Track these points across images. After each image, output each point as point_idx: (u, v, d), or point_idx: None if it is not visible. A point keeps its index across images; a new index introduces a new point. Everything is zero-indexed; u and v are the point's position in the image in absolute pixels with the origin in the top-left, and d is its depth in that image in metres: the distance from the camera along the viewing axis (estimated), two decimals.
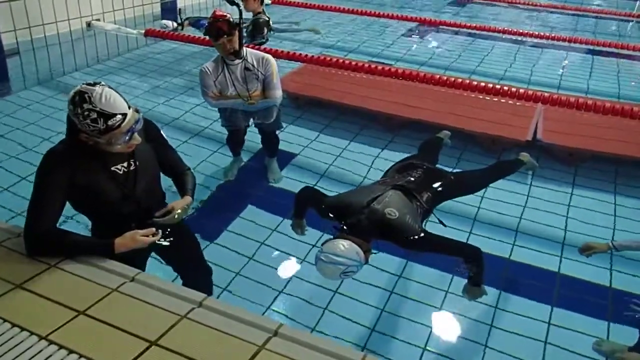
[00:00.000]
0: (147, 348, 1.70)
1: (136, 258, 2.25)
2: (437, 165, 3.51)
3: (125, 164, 2.19)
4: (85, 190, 2.12)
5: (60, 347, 1.69)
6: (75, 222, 2.93)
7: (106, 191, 2.15)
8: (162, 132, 2.43)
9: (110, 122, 1.98)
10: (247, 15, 6.47)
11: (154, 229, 2.16)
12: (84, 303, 1.88)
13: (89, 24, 7.60)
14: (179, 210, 2.32)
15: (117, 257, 2.12)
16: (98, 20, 7.75)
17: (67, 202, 2.15)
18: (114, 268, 2.08)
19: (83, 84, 2.01)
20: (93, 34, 7.57)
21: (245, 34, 6.31)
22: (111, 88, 2.03)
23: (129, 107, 2.05)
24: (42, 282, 1.97)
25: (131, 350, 1.68)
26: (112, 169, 2.16)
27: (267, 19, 6.46)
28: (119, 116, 2.00)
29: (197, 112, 5.20)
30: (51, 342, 1.71)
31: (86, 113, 1.95)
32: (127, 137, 2.06)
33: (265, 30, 6.45)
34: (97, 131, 1.99)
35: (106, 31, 7.57)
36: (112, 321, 1.80)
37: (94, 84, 2.00)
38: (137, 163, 2.22)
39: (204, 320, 1.83)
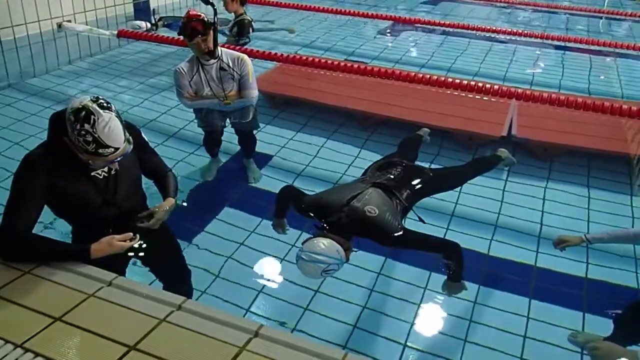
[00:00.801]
0: (126, 353, 1.68)
1: (115, 263, 2.22)
2: (416, 163, 3.53)
3: (105, 169, 2.17)
4: (65, 195, 2.10)
5: (37, 354, 1.66)
6: (52, 230, 2.88)
7: (86, 196, 2.13)
8: (143, 134, 2.40)
9: (100, 150, 1.98)
10: (224, 15, 6.49)
11: (131, 234, 2.13)
12: (60, 309, 1.85)
13: (59, 25, 7.46)
14: (161, 213, 2.30)
15: (95, 263, 2.09)
16: (69, 21, 7.61)
17: (47, 207, 2.12)
18: (91, 273, 2.05)
19: (93, 100, 1.98)
20: (64, 35, 7.43)
21: (229, 35, 6.34)
22: (118, 116, 2.02)
23: (124, 140, 2.04)
24: (17, 289, 1.94)
25: (109, 356, 1.66)
26: (92, 174, 2.14)
27: (250, 19, 6.47)
28: (112, 149, 2.00)
29: (172, 113, 5.14)
30: (27, 350, 1.68)
31: (83, 132, 1.94)
32: (106, 165, 2.09)
33: (250, 30, 6.49)
34: (83, 149, 1.98)
35: (78, 32, 7.44)
36: (90, 327, 1.78)
37: (106, 107, 1.98)
38: (118, 167, 2.20)
39: (183, 323, 1.82)
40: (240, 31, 6.36)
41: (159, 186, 2.49)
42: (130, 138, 2.10)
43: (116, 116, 2.01)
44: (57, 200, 2.13)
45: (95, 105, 1.96)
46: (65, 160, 2.07)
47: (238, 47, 5.54)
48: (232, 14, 6.43)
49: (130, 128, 2.25)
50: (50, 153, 2.07)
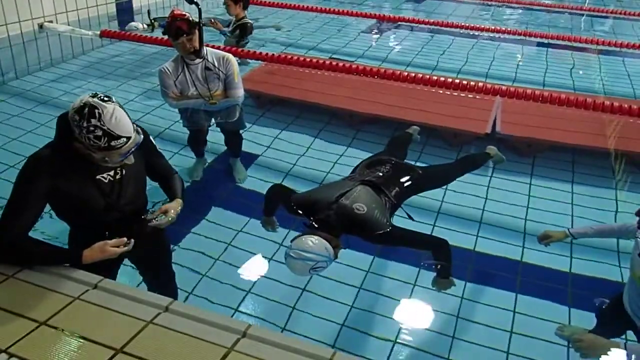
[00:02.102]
0: (113, 356, 1.66)
1: (107, 266, 2.18)
2: (405, 160, 3.54)
3: (111, 173, 2.13)
4: (68, 198, 2.06)
5: (22, 359, 1.64)
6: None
7: (90, 200, 2.10)
8: (151, 137, 2.35)
9: (113, 143, 1.93)
10: (225, 16, 6.63)
11: (124, 239, 2.09)
12: (45, 313, 1.82)
13: (41, 26, 7.38)
14: (173, 213, 2.29)
15: (87, 266, 2.06)
16: (51, 21, 7.53)
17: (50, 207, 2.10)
18: (76, 276, 2.03)
19: (93, 95, 1.95)
20: (46, 36, 7.35)
21: (230, 36, 6.47)
22: (121, 107, 1.98)
23: (134, 130, 2.01)
24: (0, 294, 1.91)
25: (96, 359, 1.64)
26: (98, 177, 2.10)
27: (252, 23, 6.59)
28: (124, 139, 1.96)
29: (157, 113, 5.11)
30: (12, 355, 1.66)
31: (91, 128, 1.89)
32: (122, 158, 2.03)
33: (251, 33, 6.63)
34: (96, 147, 1.93)
35: (59, 33, 7.36)
36: (75, 330, 1.76)
37: (107, 100, 1.94)
38: (124, 172, 2.16)
39: (170, 325, 1.80)
40: (242, 34, 6.46)
41: (166, 187, 2.45)
42: (139, 129, 2.07)
43: (119, 107, 1.97)
44: (59, 202, 2.10)
45: (96, 99, 1.93)
46: (71, 162, 2.03)
47: (237, 49, 5.67)
48: (233, 16, 6.49)
49: (142, 128, 2.20)
50: (56, 154, 2.03)
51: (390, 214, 2.78)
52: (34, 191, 1.99)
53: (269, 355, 1.70)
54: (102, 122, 1.90)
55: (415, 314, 2.94)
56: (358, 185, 2.77)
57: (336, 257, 2.50)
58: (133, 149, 2.02)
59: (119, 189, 2.15)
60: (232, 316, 2.80)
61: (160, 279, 2.64)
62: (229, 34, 6.51)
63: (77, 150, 1.99)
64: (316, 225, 2.54)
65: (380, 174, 2.98)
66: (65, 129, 1.97)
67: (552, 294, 3.08)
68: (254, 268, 3.22)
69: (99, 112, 1.90)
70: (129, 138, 1.97)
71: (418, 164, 4.11)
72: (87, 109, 1.90)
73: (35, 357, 1.65)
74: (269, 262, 3.24)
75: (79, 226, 2.26)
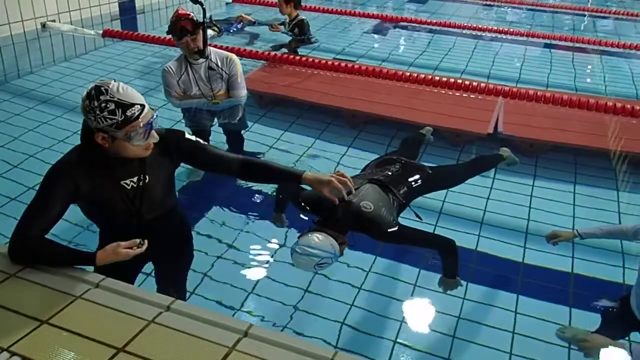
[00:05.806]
0: (114, 355, 1.66)
1: (128, 267, 2.19)
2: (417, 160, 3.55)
3: (134, 179, 2.12)
4: (91, 201, 2.08)
5: (24, 358, 1.65)
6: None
7: (111, 204, 2.11)
8: (186, 135, 2.31)
9: (128, 113, 1.94)
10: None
11: (138, 240, 2.06)
12: (46, 312, 1.83)
13: (44, 25, 7.39)
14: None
15: (106, 269, 2.05)
16: (53, 21, 7.54)
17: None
18: (78, 275, 2.03)
19: (95, 83, 1.98)
20: (48, 35, 7.36)
21: (292, 34, 6.61)
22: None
23: (144, 101, 2.02)
24: (2, 293, 1.91)
25: (98, 358, 1.65)
26: (122, 183, 2.10)
27: (306, 19, 6.68)
28: (137, 106, 1.96)
29: (160, 113, 5.05)
30: (14, 354, 1.66)
31: (103, 105, 1.91)
32: (145, 132, 2.00)
33: (309, 29, 6.74)
34: (115, 124, 1.93)
35: (62, 32, 7.38)
36: (77, 329, 1.76)
37: (109, 80, 1.97)
38: (147, 179, 2.15)
39: (172, 324, 1.81)
40: (301, 30, 6.59)
41: (265, 173, 2.34)
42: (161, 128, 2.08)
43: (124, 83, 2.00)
44: (83, 205, 2.13)
45: (99, 82, 1.97)
46: (97, 167, 2.05)
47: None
48: (286, 17, 6.60)
49: (169, 135, 2.21)
50: (82, 158, 2.05)
51: (397, 213, 2.79)
52: (56, 193, 2.00)
53: (271, 354, 1.70)
54: (111, 95, 1.92)
55: (416, 314, 2.94)
56: (366, 183, 2.79)
57: (342, 253, 2.52)
58: (154, 119, 2.02)
59: (140, 195, 2.15)
60: (233, 316, 2.80)
61: (170, 280, 2.63)
62: (287, 34, 6.65)
63: (101, 148, 1.99)
64: (323, 222, 2.56)
65: (389, 173, 3.00)
66: (85, 129, 2.00)
67: (554, 295, 3.08)
68: (256, 267, 3.22)
69: (105, 89, 1.92)
70: (142, 106, 1.98)
71: (424, 163, 4.12)
72: (93, 90, 1.93)
73: (36, 355, 1.65)
74: (270, 261, 3.24)
75: (107, 229, 2.27)
